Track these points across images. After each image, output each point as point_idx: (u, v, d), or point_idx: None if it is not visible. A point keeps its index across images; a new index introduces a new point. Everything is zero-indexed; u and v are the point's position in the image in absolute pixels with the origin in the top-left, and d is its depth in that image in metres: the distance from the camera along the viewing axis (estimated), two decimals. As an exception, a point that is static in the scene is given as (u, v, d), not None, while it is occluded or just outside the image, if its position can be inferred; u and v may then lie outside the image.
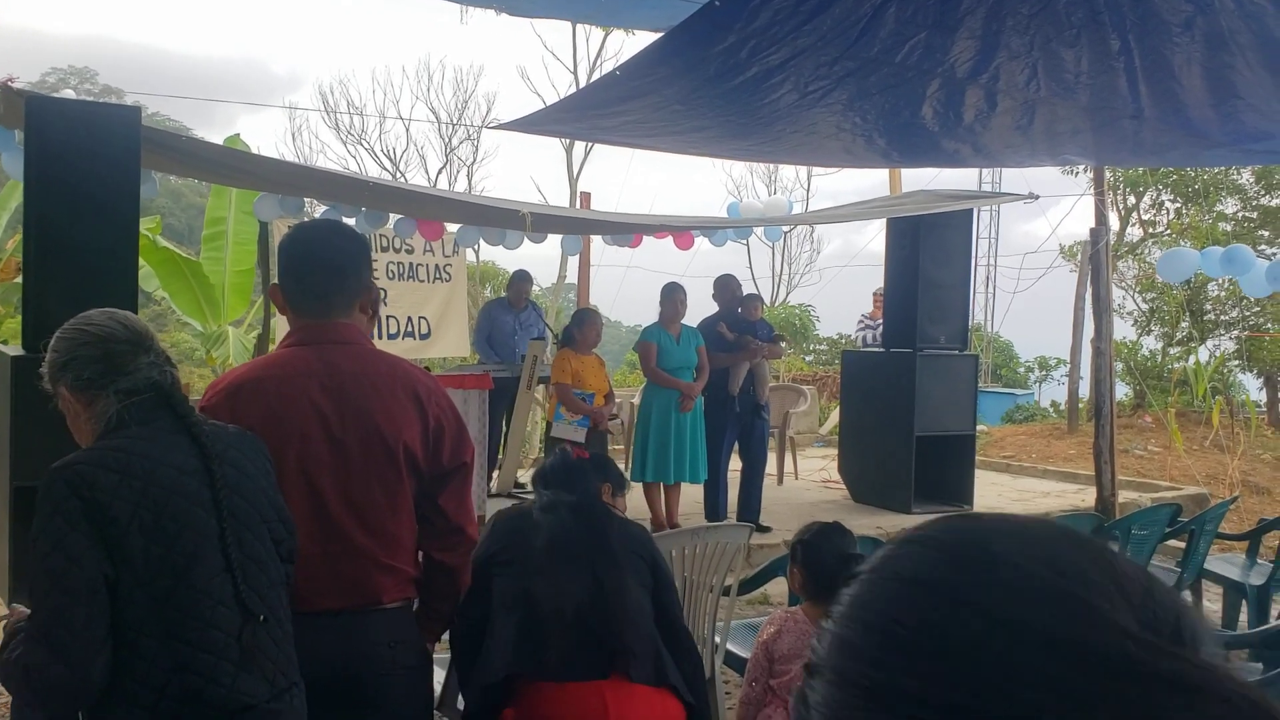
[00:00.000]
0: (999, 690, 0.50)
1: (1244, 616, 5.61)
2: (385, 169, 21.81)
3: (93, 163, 4.67)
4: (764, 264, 24.80)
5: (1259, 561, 6.01)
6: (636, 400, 8.01)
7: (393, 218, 8.74)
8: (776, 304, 22.04)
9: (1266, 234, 19.18)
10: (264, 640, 1.95)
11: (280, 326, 10.07)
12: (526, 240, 8.96)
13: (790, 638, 3.06)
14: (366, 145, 22.69)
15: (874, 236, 8.86)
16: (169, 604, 1.87)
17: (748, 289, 8.68)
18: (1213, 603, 6.32)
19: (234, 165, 7.28)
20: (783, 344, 9.15)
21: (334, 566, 2.32)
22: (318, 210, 9.31)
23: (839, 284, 25.84)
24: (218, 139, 10.58)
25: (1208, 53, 4.47)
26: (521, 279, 8.75)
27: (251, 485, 2.03)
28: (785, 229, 18.88)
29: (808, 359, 19.11)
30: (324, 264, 2.47)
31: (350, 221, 9.31)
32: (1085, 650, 0.50)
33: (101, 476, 1.85)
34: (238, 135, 11.53)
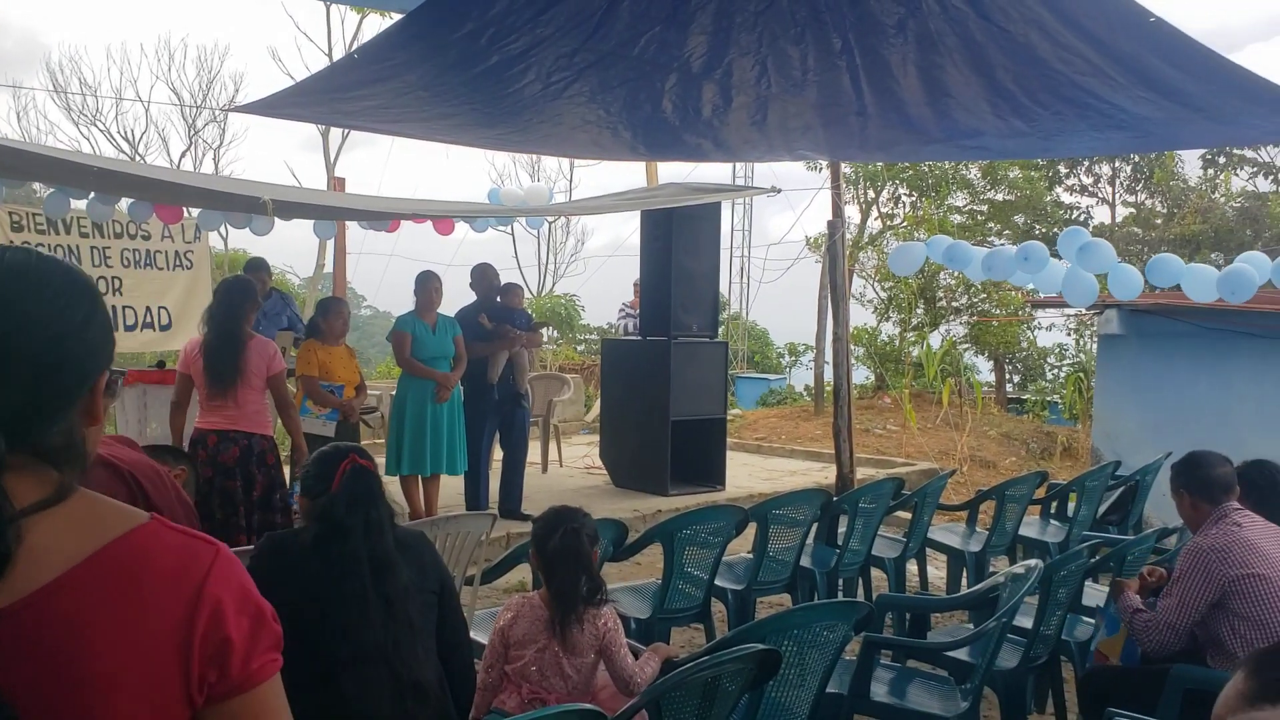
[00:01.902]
0: None
1: (965, 581, 6.06)
2: (123, 152, 20.45)
3: None
4: (530, 253, 24.86)
5: (977, 530, 6.51)
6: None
7: (126, 200, 8.22)
8: (543, 293, 22.12)
9: (994, 226, 20.85)
10: None
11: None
12: (279, 225, 8.58)
13: (525, 623, 3.09)
14: (101, 126, 21.23)
15: (637, 229, 9.07)
16: None
17: (513, 278, 8.70)
18: (939, 569, 6.82)
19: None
20: (542, 331, 9.20)
21: None
22: (45, 194, 8.66)
23: (605, 274, 26.28)
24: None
25: (920, 53, 4.79)
26: (256, 268, 8.26)
27: None
28: (549, 219, 18.95)
29: (579, 348, 19.30)
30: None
31: (81, 205, 8.71)
32: None
33: None
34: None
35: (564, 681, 3.06)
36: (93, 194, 8.06)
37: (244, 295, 5.50)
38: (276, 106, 5.53)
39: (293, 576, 2.56)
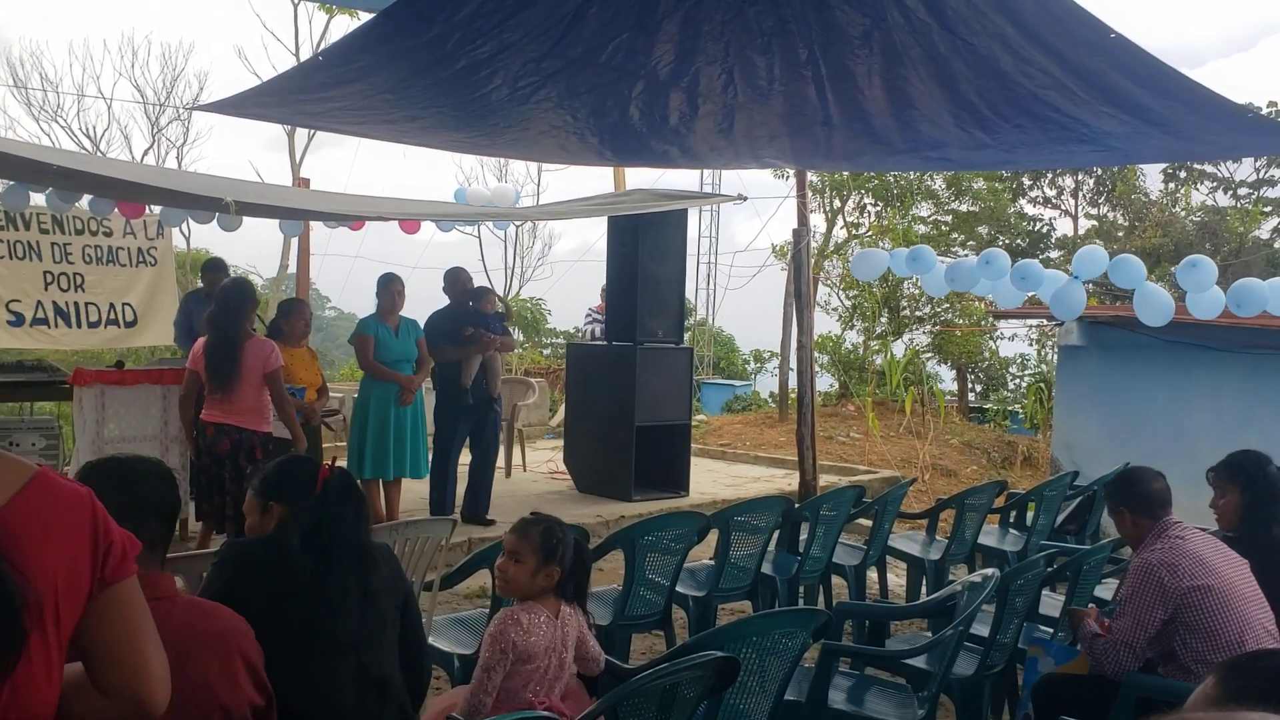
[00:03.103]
0: None
1: (925, 589, 6.10)
2: (85, 149, 20.18)
3: None
4: (496, 257, 24.77)
5: (937, 538, 6.56)
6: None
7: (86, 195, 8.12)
8: (509, 297, 22.05)
9: (958, 236, 21.03)
10: None
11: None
12: (246, 222, 8.49)
13: (541, 634, 3.04)
14: (63, 123, 20.93)
15: (604, 234, 9.07)
16: None
17: (479, 281, 8.65)
18: (898, 577, 6.86)
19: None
20: (513, 335, 9.20)
21: None
22: (1, 188, 8.53)
23: (572, 279, 26.24)
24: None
25: (885, 65, 4.82)
26: (214, 268, 8.19)
27: None
28: (515, 224, 18.90)
29: (544, 352, 19.26)
30: None
31: (39, 199, 8.60)
32: None
33: None
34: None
35: (560, 682, 3.07)
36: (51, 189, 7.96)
37: (242, 297, 6.05)
38: (241, 106, 5.48)
39: (269, 583, 2.59)
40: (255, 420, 5.92)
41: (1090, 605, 4.24)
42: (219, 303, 6.04)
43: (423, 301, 7.96)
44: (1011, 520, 7.04)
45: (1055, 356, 13.28)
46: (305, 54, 19.87)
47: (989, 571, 3.99)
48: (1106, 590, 5.18)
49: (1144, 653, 3.55)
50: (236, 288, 6.25)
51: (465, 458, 7.94)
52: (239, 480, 5.67)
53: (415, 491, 7.76)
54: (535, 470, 10.26)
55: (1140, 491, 3.77)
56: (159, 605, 1.92)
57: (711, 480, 10.08)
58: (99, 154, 20.00)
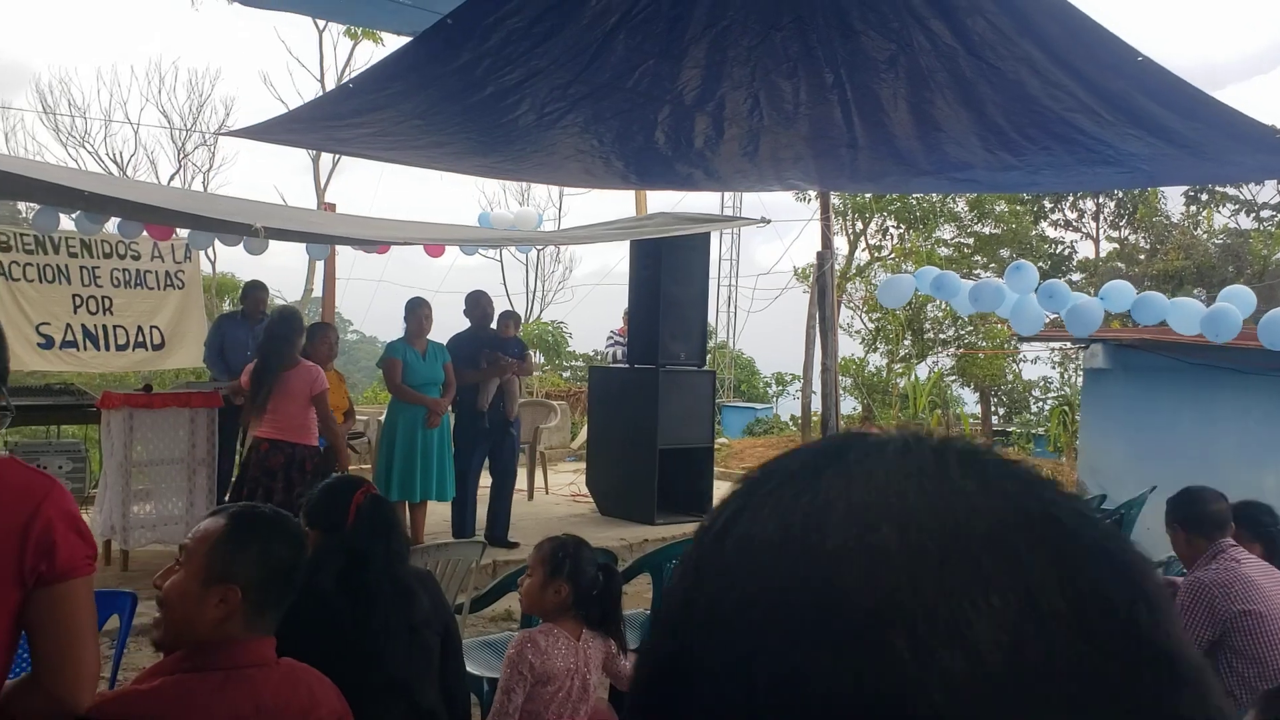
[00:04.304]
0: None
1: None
2: (111, 174, 20.43)
3: None
4: (518, 281, 24.89)
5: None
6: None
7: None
8: (530, 320, 22.14)
9: (980, 259, 21.01)
10: None
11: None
12: (272, 246, 8.59)
13: (560, 656, 3.04)
14: (90, 148, 21.22)
15: (624, 257, 9.10)
16: None
17: (502, 305, 8.70)
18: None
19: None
20: (533, 359, 9.23)
21: None
22: (30, 213, 8.64)
23: (592, 302, 26.29)
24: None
25: (911, 88, 4.85)
26: (256, 289, 8.36)
27: None
28: (537, 247, 18.98)
29: (565, 375, 19.31)
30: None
31: (69, 223, 8.71)
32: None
33: None
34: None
35: (585, 704, 3.06)
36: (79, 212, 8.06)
37: (289, 326, 6.43)
38: (271, 132, 5.56)
39: (310, 623, 2.43)
40: (304, 436, 6.27)
41: None
42: (266, 330, 6.48)
43: (444, 325, 8.01)
44: (1038, 544, 6.98)
45: (1079, 379, 13.22)
46: (330, 80, 20.10)
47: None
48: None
49: None
50: (284, 316, 6.64)
51: (486, 480, 7.96)
52: (289, 491, 5.92)
53: (436, 514, 7.77)
54: (557, 493, 10.26)
55: (1198, 511, 3.75)
56: (255, 672, 1.86)
57: (734, 503, 10.04)
58: (126, 179, 20.22)
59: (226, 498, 7.56)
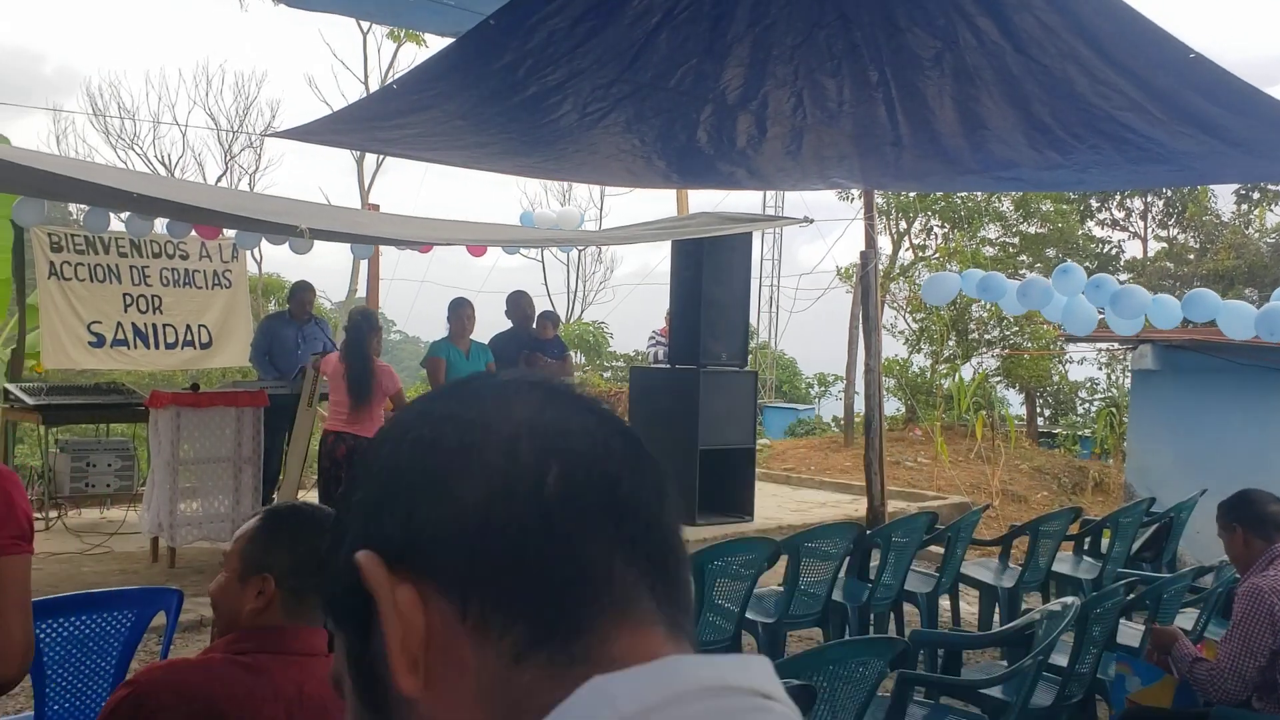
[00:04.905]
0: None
1: (998, 617, 6.00)
2: (160, 175, 20.74)
3: None
4: (559, 281, 24.97)
5: (1010, 565, 6.44)
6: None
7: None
8: (571, 320, 22.19)
9: (1026, 259, 20.76)
10: None
11: (35, 341, 9.43)
12: (316, 246, 8.68)
13: None
14: (139, 150, 21.55)
15: (666, 257, 9.14)
16: None
17: (543, 305, 8.73)
18: (970, 605, 6.74)
19: None
20: (572, 359, 9.25)
21: None
22: (80, 214, 8.77)
23: (633, 302, 26.37)
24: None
25: (957, 86, 4.80)
26: (303, 289, 8.46)
27: None
28: (578, 248, 19.03)
29: (605, 375, 19.34)
30: None
31: (121, 225, 8.84)
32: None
33: None
34: (5, 138, 10.71)
35: None
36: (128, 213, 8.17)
37: (368, 325, 6.77)
38: (316, 133, 5.60)
39: None
40: (371, 429, 6.43)
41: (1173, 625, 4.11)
42: (349, 332, 6.74)
43: (486, 325, 8.05)
44: (1086, 547, 6.89)
45: (1126, 380, 13.03)
46: (374, 82, 20.25)
47: (1068, 600, 3.91)
48: (1186, 619, 5.04)
49: (1253, 681, 3.44)
50: (362, 316, 6.94)
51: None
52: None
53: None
54: (599, 493, 10.25)
55: (1257, 511, 3.68)
56: (305, 660, 1.84)
57: (776, 505, 10.00)
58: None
59: (272, 499, 7.65)
